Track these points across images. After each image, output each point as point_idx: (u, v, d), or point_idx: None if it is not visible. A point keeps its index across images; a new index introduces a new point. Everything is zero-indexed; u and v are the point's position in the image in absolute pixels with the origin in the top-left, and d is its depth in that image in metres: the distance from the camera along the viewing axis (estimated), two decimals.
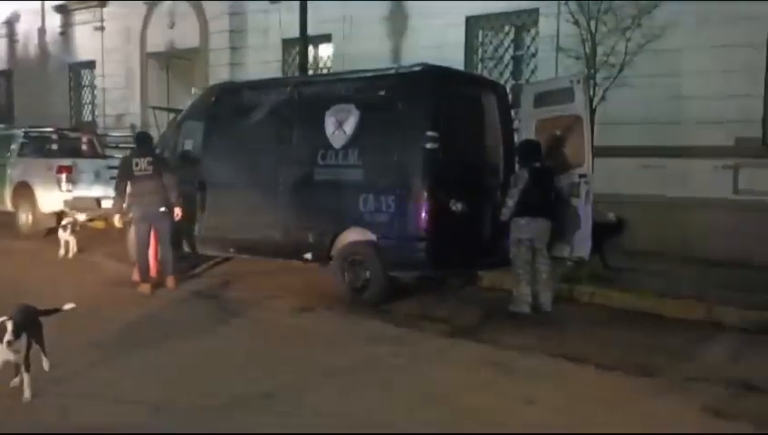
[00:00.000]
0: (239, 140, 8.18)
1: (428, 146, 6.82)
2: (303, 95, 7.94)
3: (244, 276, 8.32)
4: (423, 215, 6.78)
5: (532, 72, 11.26)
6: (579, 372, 5.12)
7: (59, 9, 18.41)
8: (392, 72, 7.72)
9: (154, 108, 13.80)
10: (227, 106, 8.50)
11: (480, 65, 11.93)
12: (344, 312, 6.81)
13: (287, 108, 7.98)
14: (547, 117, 7.80)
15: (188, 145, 8.84)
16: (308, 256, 7.57)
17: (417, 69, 7.19)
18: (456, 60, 10.71)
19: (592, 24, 8.52)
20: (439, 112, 7.00)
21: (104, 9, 17.14)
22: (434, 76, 7.20)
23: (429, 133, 6.83)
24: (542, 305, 6.96)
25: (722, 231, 9.00)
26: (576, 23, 8.61)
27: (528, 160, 7.08)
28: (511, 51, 11.63)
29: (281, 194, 7.79)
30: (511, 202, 6.90)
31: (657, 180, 9.61)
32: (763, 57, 9.22)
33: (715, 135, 9.31)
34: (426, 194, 6.78)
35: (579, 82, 7.49)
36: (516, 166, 7.38)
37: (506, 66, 11.71)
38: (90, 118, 18.49)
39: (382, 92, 7.22)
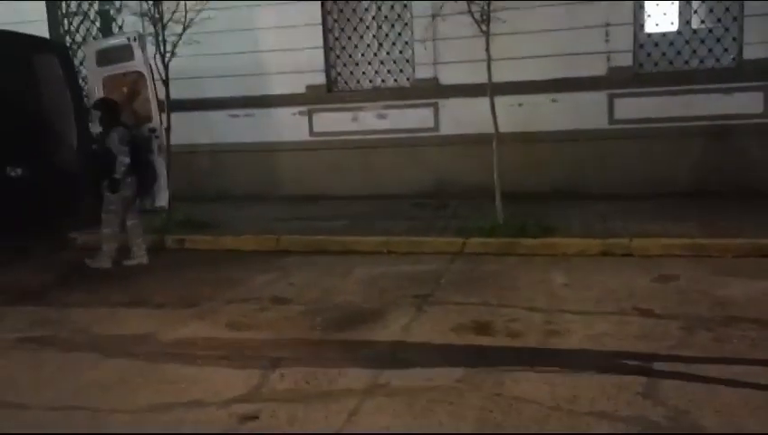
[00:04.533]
0: None
1: None
2: None
3: None
4: None
5: (120, 27, 11.13)
6: (128, 315, 5.68)
7: None
8: None
9: None
10: None
11: (66, 21, 11.72)
12: None
13: None
14: (112, 74, 7.90)
15: None
16: None
17: None
18: (38, 15, 11.08)
19: None
20: None
21: None
22: None
23: None
24: (138, 258, 7.39)
25: (301, 170, 10.53)
26: None
27: (117, 118, 7.25)
28: (96, 6, 11.42)
29: None
30: (127, 160, 7.11)
31: (245, 128, 10.67)
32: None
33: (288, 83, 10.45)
34: None
35: (135, 39, 7.72)
36: (97, 124, 7.33)
37: (93, 22, 11.50)
38: None
39: None
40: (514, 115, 9.19)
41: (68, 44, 11.20)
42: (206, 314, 5.61)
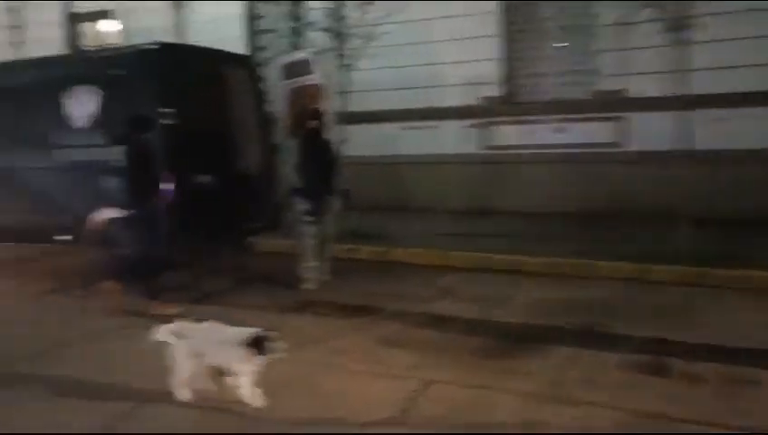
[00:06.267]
0: None
1: (165, 122, 6.88)
2: (43, 77, 7.97)
3: None
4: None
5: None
6: (293, 321, 5.80)
7: None
8: (129, 50, 7.85)
9: None
10: None
11: (261, 37, 11.59)
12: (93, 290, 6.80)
13: (26, 90, 8.00)
14: (295, 87, 8.49)
15: None
16: (60, 237, 7.60)
17: (151, 47, 7.29)
18: (234, 32, 11.74)
19: None
20: (175, 89, 7.12)
21: None
22: (168, 53, 7.43)
23: (165, 110, 6.91)
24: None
25: (472, 183, 10.24)
26: None
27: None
28: (290, 22, 10.87)
29: (30, 177, 7.91)
30: None
31: (416, 140, 10.64)
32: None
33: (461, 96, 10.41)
34: (167, 169, 6.63)
35: (314, 54, 8.54)
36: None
37: (283, 38, 10.90)
38: None
39: (121, 71, 7.32)
40: (714, 131, 8.33)
41: (260, 59, 11.94)
42: (366, 326, 5.65)
